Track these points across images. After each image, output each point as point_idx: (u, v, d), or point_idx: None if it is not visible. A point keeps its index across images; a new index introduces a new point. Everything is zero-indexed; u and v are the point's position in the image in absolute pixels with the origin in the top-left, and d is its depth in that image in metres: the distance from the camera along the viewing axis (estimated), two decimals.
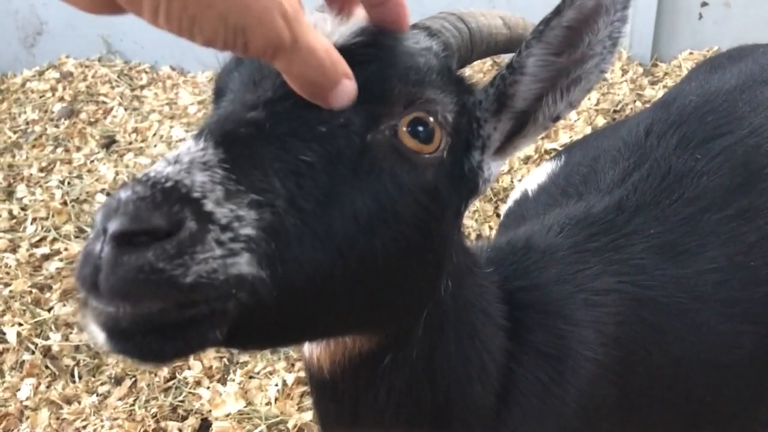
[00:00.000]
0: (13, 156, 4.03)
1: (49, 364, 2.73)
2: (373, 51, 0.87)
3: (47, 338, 2.82)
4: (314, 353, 1.05)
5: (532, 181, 1.81)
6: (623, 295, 1.33)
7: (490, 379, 1.16)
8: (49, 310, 2.95)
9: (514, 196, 1.85)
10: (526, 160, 3.48)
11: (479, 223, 3.15)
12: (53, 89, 4.58)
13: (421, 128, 0.88)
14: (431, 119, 0.89)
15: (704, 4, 4.27)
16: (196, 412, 2.51)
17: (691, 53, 4.28)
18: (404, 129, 0.87)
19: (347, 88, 0.81)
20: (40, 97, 4.53)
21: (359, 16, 0.90)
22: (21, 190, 3.69)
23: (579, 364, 1.25)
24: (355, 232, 0.81)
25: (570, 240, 1.41)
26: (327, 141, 0.81)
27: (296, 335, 0.90)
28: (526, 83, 0.97)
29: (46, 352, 2.79)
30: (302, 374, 2.56)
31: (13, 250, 3.28)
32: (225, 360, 2.71)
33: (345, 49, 0.83)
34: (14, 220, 3.48)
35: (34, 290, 3.03)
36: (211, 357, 2.71)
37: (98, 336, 0.67)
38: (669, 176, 1.48)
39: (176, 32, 0.68)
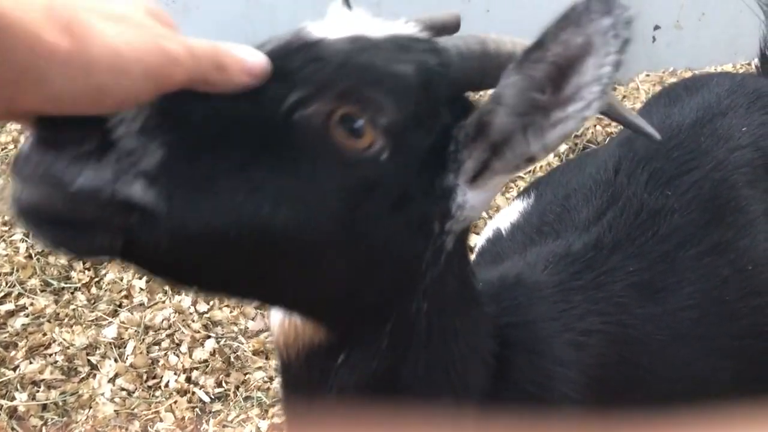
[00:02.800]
0: None
1: (15, 426, 2.64)
2: (344, 42, 0.89)
3: (12, 398, 2.73)
4: (276, 328, 1.05)
5: (503, 220, 1.81)
6: (607, 335, 1.33)
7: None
8: (14, 369, 2.86)
9: (486, 234, 1.85)
10: None
11: None
12: (15, 141, 4.48)
13: (351, 124, 0.86)
14: (362, 118, 0.87)
15: (657, 28, 4.39)
16: None
17: (647, 75, 4.40)
18: (335, 120, 0.86)
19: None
20: (2, 149, 4.43)
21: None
22: None
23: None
24: (262, 201, 0.82)
25: (555, 278, 1.40)
26: (252, 106, 0.83)
27: (201, 283, 0.93)
28: (502, 114, 0.90)
29: (12, 413, 2.70)
30: (277, 420, 2.51)
31: None
32: (197, 410, 2.66)
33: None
34: None
35: None
36: (183, 408, 2.66)
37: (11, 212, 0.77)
38: (642, 214, 1.50)
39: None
